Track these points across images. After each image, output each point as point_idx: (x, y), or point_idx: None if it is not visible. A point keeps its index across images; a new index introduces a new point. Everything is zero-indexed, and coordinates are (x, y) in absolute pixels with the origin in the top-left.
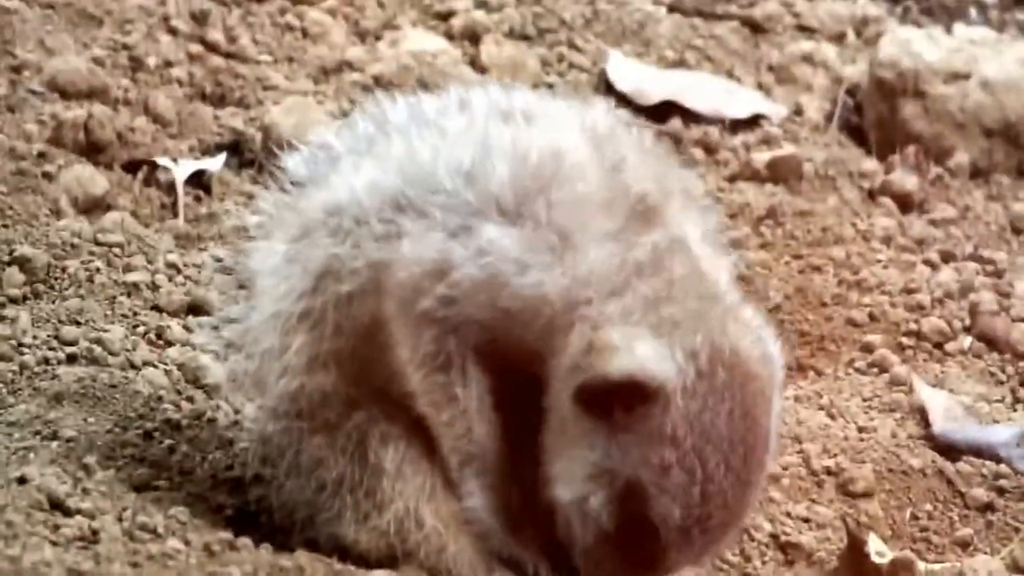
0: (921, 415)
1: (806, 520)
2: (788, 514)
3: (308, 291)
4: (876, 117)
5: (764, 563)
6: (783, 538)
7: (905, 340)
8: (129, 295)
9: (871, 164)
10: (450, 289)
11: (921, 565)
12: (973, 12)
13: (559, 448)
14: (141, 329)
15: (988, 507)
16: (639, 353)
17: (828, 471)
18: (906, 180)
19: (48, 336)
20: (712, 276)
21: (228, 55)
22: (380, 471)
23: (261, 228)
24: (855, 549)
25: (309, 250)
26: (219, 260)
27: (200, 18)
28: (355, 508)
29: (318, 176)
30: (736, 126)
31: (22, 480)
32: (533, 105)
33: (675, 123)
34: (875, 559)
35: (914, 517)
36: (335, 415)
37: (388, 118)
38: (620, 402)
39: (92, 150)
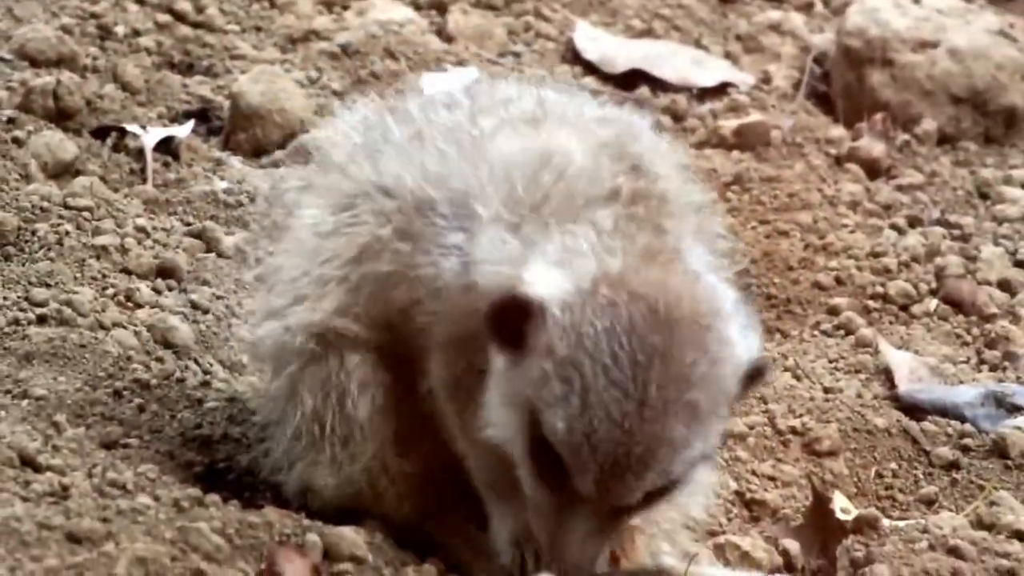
0: (886, 376)
1: (772, 478)
2: (754, 472)
3: (351, 260)
4: (844, 85)
5: (730, 520)
6: (748, 495)
7: (871, 303)
8: (98, 258)
9: (838, 131)
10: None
11: (886, 522)
12: None
13: (488, 397)
14: (110, 291)
15: (952, 465)
16: (522, 275)
17: (794, 431)
18: (873, 147)
19: (18, 297)
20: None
21: (196, 24)
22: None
23: (306, 182)
24: (820, 506)
25: (357, 221)
26: (188, 225)
27: None
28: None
29: (370, 147)
30: (703, 94)
31: None
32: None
33: (642, 91)
34: (840, 516)
35: (879, 475)
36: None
37: (430, 116)
38: (511, 324)
39: (61, 116)
